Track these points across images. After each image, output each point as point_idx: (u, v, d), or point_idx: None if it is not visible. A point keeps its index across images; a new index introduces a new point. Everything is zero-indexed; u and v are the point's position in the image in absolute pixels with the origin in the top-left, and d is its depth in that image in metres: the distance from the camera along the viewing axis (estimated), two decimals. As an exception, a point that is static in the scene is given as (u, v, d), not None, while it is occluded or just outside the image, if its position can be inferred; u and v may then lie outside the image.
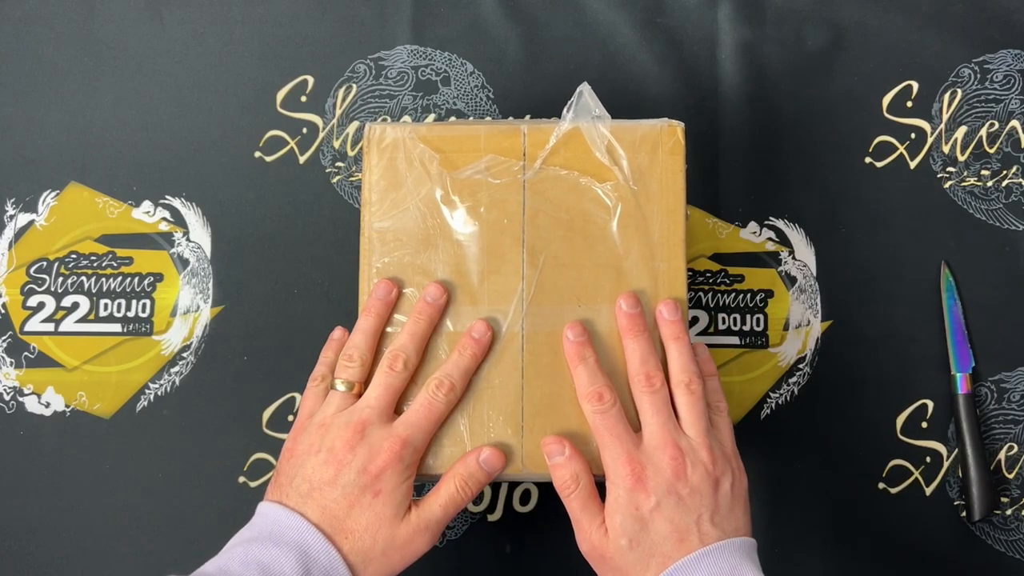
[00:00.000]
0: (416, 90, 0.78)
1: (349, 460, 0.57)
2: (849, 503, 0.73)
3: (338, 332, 0.65)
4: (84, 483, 0.73)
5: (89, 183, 0.76)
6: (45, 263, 0.75)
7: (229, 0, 0.79)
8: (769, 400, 0.74)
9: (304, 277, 0.75)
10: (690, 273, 0.75)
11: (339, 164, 0.77)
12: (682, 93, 0.77)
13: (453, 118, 0.77)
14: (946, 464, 0.74)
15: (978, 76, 0.78)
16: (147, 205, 0.76)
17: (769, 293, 0.75)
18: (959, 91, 0.77)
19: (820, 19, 0.78)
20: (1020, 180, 0.76)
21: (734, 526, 0.57)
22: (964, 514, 0.73)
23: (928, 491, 0.73)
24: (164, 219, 0.76)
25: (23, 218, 0.76)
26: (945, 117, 0.77)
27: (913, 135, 0.77)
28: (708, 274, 0.75)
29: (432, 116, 0.77)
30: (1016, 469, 0.74)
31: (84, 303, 0.75)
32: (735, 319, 0.75)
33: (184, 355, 0.74)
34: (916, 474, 0.73)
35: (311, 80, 0.78)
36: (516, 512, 0.73)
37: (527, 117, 0.77)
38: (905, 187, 0.76)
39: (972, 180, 0.76)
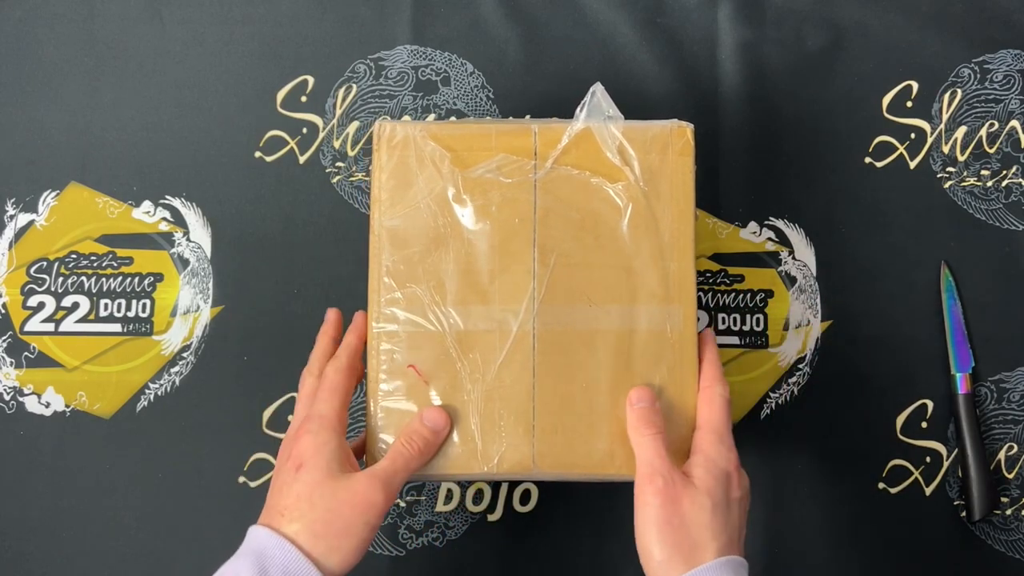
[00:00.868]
0: (416, 90, 0.78)
1: (280, 462, 0.59)
2: (849, 503, 0.73)
3: (332, 315, 0.66)
4: (84, 483, 0.73)
5: (89, 183, 0.76)
6: (45, 263, 0.75)
7: (229, 0, 0.79)
8: (769, 400, 0.74)
9: (304, 277, 0.75)
10: (690, 273, 0.75)
11: (339, 164, 0.77)
12: (682, 93, 0.77)
13: (453, 118, 0.77)
14: (946, 464, 0.74)
15: (978, 76, 0.78)
16: (147, 205, 0.76)
17: (769, 293, 0.75)
18: (959, 91, 0.77)
19: (820, 19, 0.78)
20: (1020, 180, 0.76)
21: None
22: (964, 514, 0.73)
23: (928, 491, 0.73)
24: (164, 219, 0.76)
25: (23, 218, 0.76)
26: (945, 117, 0.77)
27: (913, 135, 0.77)
28: (708, 274, 0.76)
29: (432, 116, 0.77)
30: (1016, 469, 0.74)
31: (84, 303, 0.75)
32: (735, 319, 0.75)
33: (184, 355, 0.74)
34: (916, 474, 0.73)
35: (311, 80, 0.78)
36: (516, 512, 0.73)
37: (527, 117, 0.77)
38: (905, 187, 0.76)
39: (972, 180, 0.76)
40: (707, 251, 0.76)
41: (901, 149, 0.77)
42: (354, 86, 0.78)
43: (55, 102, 0.77)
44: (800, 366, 0.75)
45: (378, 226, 0.63)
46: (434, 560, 0.72)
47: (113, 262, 0.75)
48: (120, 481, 0.73)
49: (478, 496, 0.73)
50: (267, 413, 0.74)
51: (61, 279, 0.75)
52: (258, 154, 0.77)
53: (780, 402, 0.74)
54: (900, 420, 0.74)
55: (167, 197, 0.76)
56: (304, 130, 0.77)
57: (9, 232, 0.76)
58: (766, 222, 0.76)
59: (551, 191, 0.63)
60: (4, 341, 0.75)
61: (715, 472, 0.58)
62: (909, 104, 0.77)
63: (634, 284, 0.62)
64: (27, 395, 0.74)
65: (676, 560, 0.55)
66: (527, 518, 0.73)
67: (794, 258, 0.76)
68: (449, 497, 0.73)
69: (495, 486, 0.73)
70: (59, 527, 0.73)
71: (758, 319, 0.75)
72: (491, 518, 0.73)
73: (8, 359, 0.74)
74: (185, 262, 0.75)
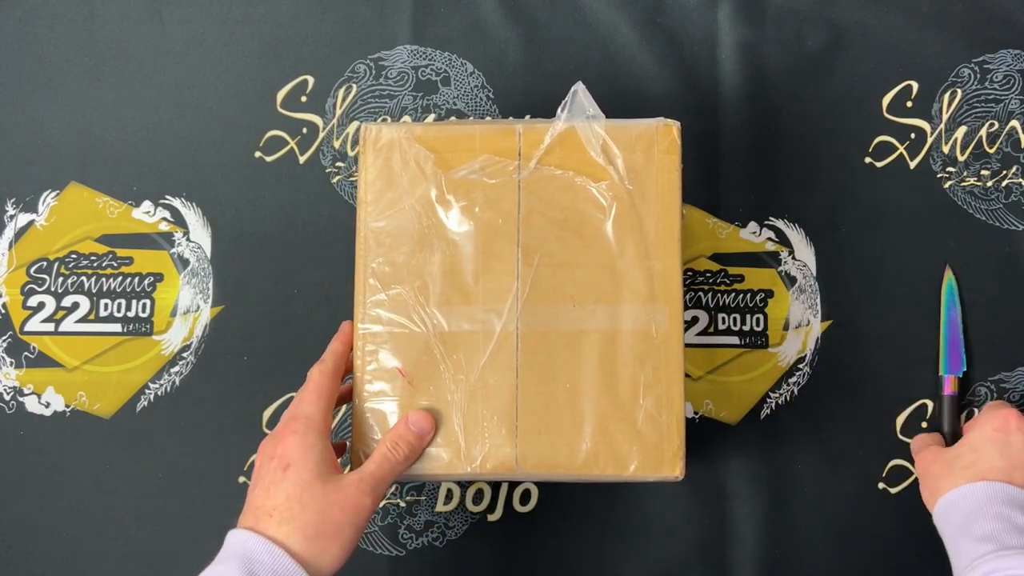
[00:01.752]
0: (416, 90, 0.78)
1: (263, 461, 0.58)
2: (849, 503, 0.73)
3: (348, 326, 0.65)
4: (84, 483, 0.73)
5: (89, 183, 0.76)
6: (45, 263, 0.75)
7: (229, 0, 0.79)
8: (769, 400, 0.74)
9: (304, 277, 0.75)
10: (690, 273, 0.75)
11: (339, 164, 0.77)
12: (682, 93, 0.77)
13: (453, 118, 0.77)
14: (946, 464, 0.74)
15: (978, 76, 0.78)
16: (147, 205, 0.76)
17: (769, 293, 0.75)
18: (959, 91, 0.77)
19: (820, 19, 0.78)
20: (1020, 180, 0.76)
21: None
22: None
23: (928, 491, 0.73)
24: (164, 219, 0.76)
25: (23, 218, 0.76)
26: (945, 117, 0.77)
27: (913, 135, 0.77)
28: (708, 274, 0.75)
29: (432, 116, 0.77)
30: (1016, 469, 0.74)
31: (84, 303, 0.75)
32: (735, 319, 0.75)
33: (184, 355, 0.74)
34: (916, 474, 0.73)
35: (311, 80, 0.78)
36: (516, 512, 0.73)
37: (527, 117, 0.77)
38: (905, 187, 0.76)
39: (972, 180, 0.76)
40: (707, 251, 0.76)
41: (901, 149, 0.77)
42: (354, 86, 0.78)
43: (55, 102, 0.77)
44: (800, 366, 0.75)
45: (364, 228, 0.63)
46: (434, 560, 0.72)
47: (113, 262, 0.75)
48: (120, 481, 0.73)
49: (478, 496, 0.73)
50: (267, 413, 0.74)
51: (61, 279, 0.75)
52: (258, 154, 0.77)
53: (780, 402, 0.74)
54: (900, 420, 0.74)
55: (167, 197, 0.76)
56: (304, 130, 0.77)
57: (9, 232, 0.76)
58: (766, 222, 0.76)
59: (535, 191, 0.63)
60: (4, 341, 0.75)
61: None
62: (909, 104, 0.77)
63: (618, 284, 0.62)
64: (27, 395, 0.74)
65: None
66: (527, 518, 0.73)
67: (794, 258, 0.76)
68: (449, 497, 0.73)
69: (495, 486, 0.73)
70: (59, 527, 0.73)
71: (758, 319, 0.75)
72: (491, 518, 0.73)
73: (8, 359, 0.74)
74: (185, 262, 0.75)
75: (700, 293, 0.75)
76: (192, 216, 0.76)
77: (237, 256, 0.76)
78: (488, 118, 0.77)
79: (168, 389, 0.74)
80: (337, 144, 0.77)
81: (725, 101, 0.77)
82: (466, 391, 0.61)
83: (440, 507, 0.73)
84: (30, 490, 0.73)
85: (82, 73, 0.78)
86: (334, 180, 0.77)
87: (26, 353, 0.74)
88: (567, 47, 0.78)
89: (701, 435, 0.73)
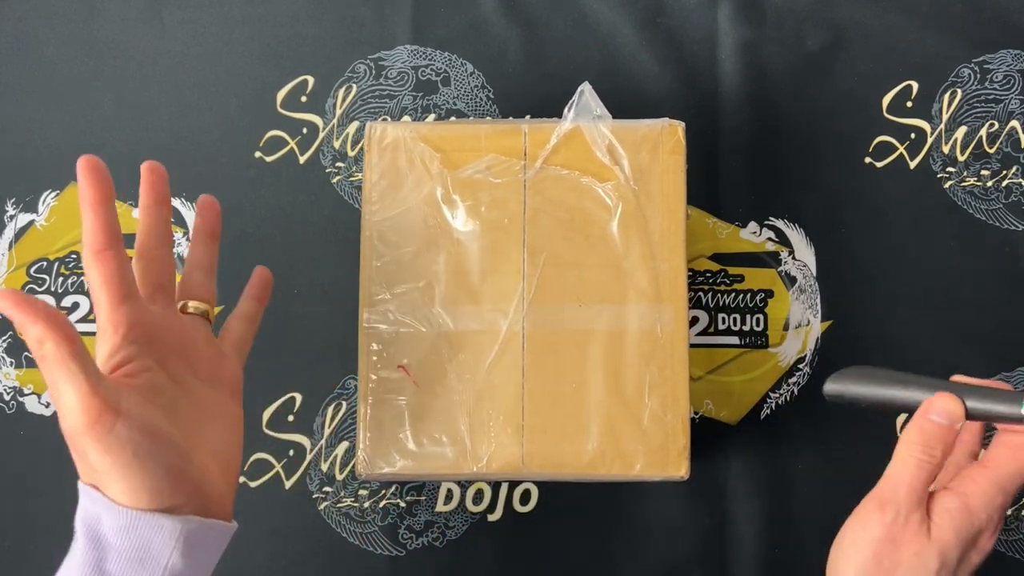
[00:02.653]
0: (416, 90, 0.78)
1: None
2: (849, 503, 0.73)
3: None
4: (84, 483, 0.73)
5: (89, 183, 0.76)
6: (45, 263, 0.75)
7: (229, 0, 0.79)
8: (769, 400, 0.74)
9: (304, 277, 0.75)
10: (690, 273, 0.75)
11: (339, 164, 0.77)
12: (682, 93, 0.77)
13: (453, 118, 0.77)
14: (946, 464, 0.74)
15: (978, 76, 0.78)
16: (147, 205, 0.76)
17: (769, 293, 0.75)
18: (959, 91, 0.77)
19: (820, 19, 0.78)
20: (1020, 180, 0.76)
21: None
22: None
23: (928, 491, 0.73)
24: (164, 219, 0.76)
25: (23, 218, 0.76)
26: (945, 117, 0.77)
27: (913, 135, 0.77)
28: (708, 274, 0.76)
29: (432, 116, 0.77)
30: (1016, 469, 0.74)
31: (84, 303, 0.75)
32: (735, 319, 0.75)
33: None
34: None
35: (311, 80, 0.78)
36: (516, 512, 0.73)
37: (527, 117, 0.77)
38: (905, 187, 0.76)
39: (972, 180, 0.76)
40: (707, 251, 0.76)
41: (901, 149, 0.77)
42: (354, 86, 0.78)
43: (55, 102, 0.77)
44: (800, 366, 0.75)
45: (369, 227, 0.63)
46: (434, 560, 0.72)
47: (113, 262, 0.75)
48: (120, 481, 0.73)
49: (478, 496, 0.73)
50: (267, 413, 0.74)
51: (61, 279, 0.75)
52: (258, 154, 0.77)
53: (780, 402, 0.74)
54: (900, 420, 0.74)
55: (167, 197, 0.76)
56: (304, 130, 0.77)
57: (9, 232, 0.76)
58: (766, 222, 0.76)
59: (541, 191, 0.63)
60: (4, 341, 0.75)
61: (963, 529, 0.49)
62: (909, 104, 0.77)
63: (624, 284, 0.62)
64: (27, 395, 0.74)
65: None
66: (527, 518, 0.73)
67: (794, 258, 0.76)
68: (449, 497, 0.73)
69: (495, 486, 0.73)
70: (59, 527, 0.73)
71: (758, 319, 0.75)
72: (491, 518, 0.73)
73: (8, 359, 0.74)
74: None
75: (700, 293, 0.75)
76: (192, 216, 0.76)
77: (237, 256, 0.76)
78: (488, 118, 0.77)
79: (168, 389, 0.74)
80: (337, 144, 0.77)
81: (725, 101, 0.77)
82: (472, 391, 0.61)
83: (440, 507, 0.73)
84: (30, 490, 0.73)
85: (82, 73, 0.78)
86: (334, 180, 0.77)
87: (26, 353, 0.74)
88: (567, 47, 0.78)
89: (701, 435, 0.73)
